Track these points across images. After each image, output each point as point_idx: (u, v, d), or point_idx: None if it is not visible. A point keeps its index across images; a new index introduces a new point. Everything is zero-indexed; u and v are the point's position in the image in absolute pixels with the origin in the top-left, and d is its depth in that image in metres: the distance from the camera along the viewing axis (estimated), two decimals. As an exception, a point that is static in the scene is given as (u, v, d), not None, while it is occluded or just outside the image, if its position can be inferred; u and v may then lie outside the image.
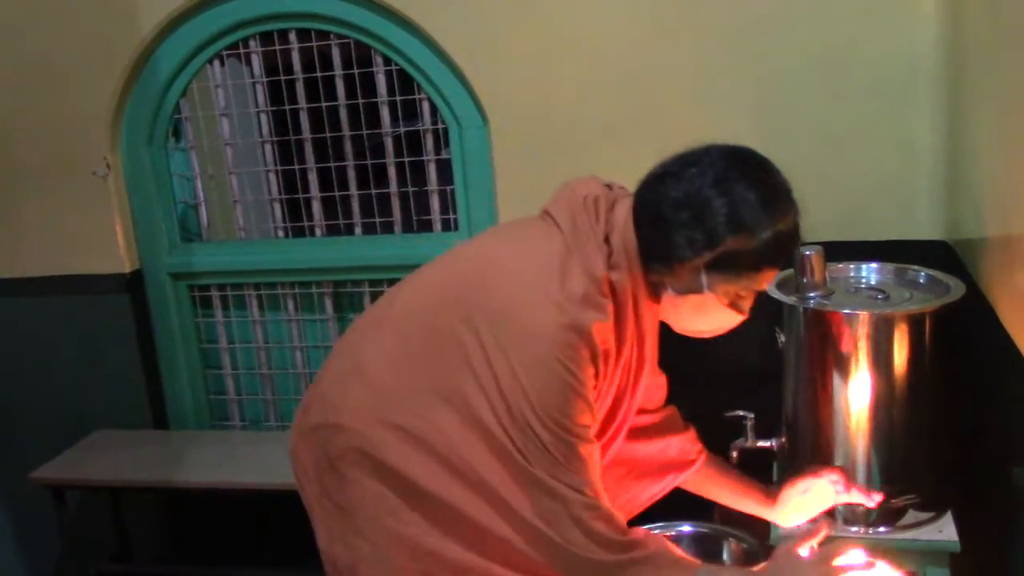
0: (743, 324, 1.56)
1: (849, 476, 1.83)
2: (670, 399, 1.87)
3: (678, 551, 1.55)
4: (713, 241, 1.41)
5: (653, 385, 1.78)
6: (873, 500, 1.82)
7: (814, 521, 1.84)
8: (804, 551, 1.60)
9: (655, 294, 1.53)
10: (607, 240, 1.50)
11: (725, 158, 1.45)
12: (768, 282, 1.52)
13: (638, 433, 1.76)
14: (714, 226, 1.40)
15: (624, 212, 1.51)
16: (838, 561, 1.55)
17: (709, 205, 1.41)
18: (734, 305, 1.51)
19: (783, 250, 1.47)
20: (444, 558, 1.54)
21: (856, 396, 1.80)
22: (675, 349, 1.71)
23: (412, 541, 1.54)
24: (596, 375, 1.48)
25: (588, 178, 1.61)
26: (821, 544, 1.65)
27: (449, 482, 1.51)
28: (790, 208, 1.45)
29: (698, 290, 1.48)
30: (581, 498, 1.45)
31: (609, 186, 1.60)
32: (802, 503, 1.84)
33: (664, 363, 1.77)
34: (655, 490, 1.85)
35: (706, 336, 1.59)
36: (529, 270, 1.49)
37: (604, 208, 1.53)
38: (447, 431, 1.50)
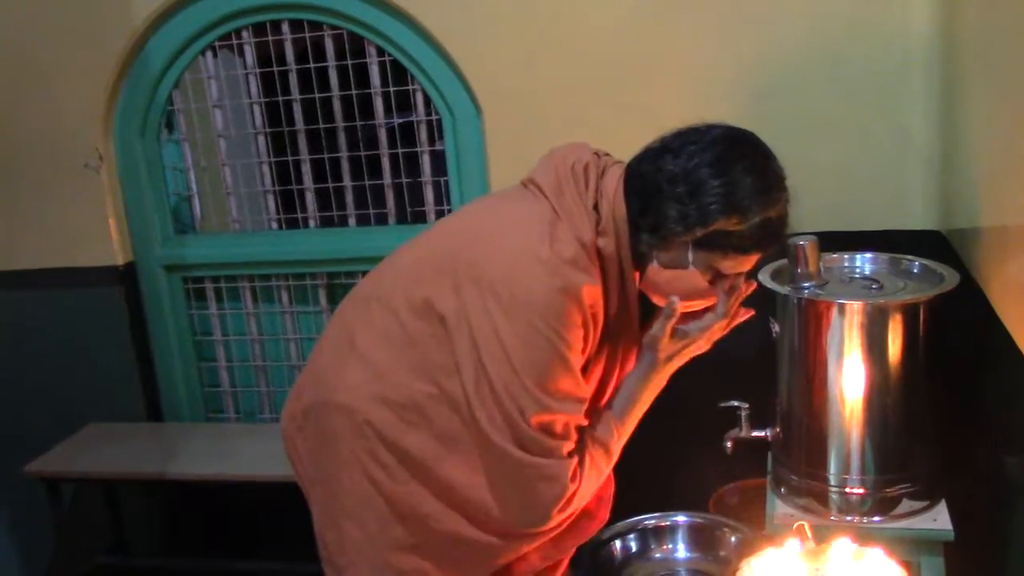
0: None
1: (841, 469, 1.84)
2: (666, 389, 1.87)
3: (598, 436, 1.59)
4: (705, 219, 1.44)
5: None
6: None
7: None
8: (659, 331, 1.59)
9: (640, 264, 1.55)
10: (596, 207, 1.52)
11: (726, 139, 1.48)
12: (751, 265, 1.54)
13: None
14: (707, 204, 1.43)
15: (614, 181, 1.53)
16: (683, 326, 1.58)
17: (705, 183, 1.43)
18: (713, 283, 1.54)
19: (771, 236, 1.49)
20: (439, 532, 1.55)
21: (850, 386, 1.80)
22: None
23: (405, 521, 1.55)
24: (585, 338, 1.49)
25: (578, 144, 1.62)
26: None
27: (445, 456, 1.52)
28: (782, 195, 1.48)
29: (683, 265, 1.50)
30: (555, 463, 1.48)
31: (597, 153, 1.60)
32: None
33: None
34: None
35: (682, 310, 1.60)
36: (516, 236, 1.50)
37: (594, 175, 1.54)
38: (441, 404, 1.51)
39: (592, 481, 1.57)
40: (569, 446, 1.50)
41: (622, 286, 1.55)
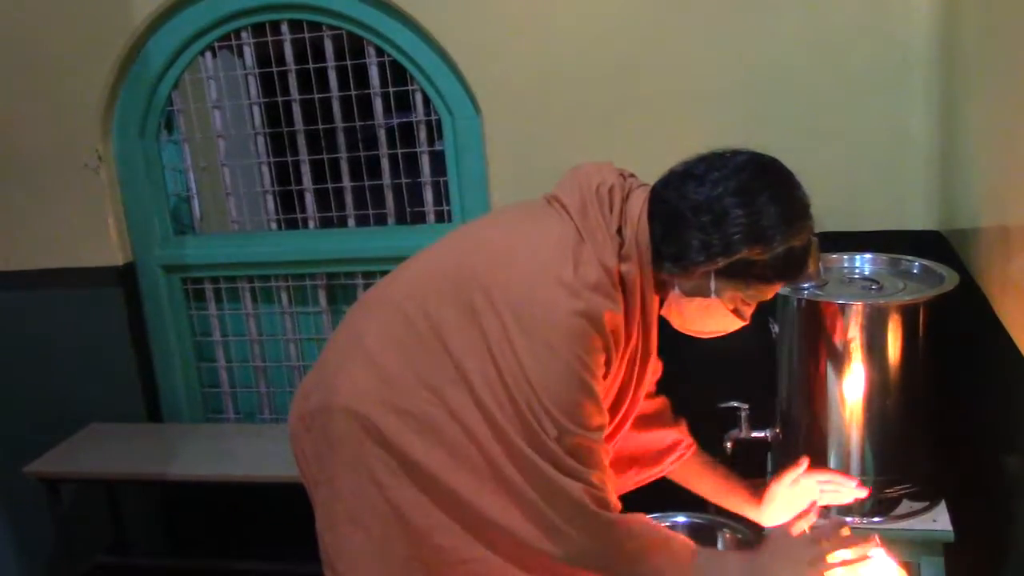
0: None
1: (840, 469, 1.84)
2: (665, 390, 1.87)
3: (674, 535, 1.55)
4: (729, 249, 1.41)
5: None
6: (862, 492, 1.80)
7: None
8: (796, 532, 1.60)
9: (661, 290, 1.53)
10: (619, 231, 1.50)
11: (751, 167, 1.44)
12: (773, 294, 1.52)
13: (632, 421, 1.77)
14: (731, 234, 1.40)
15: (638, 205, 1.50)
16: (829, 542, 1.54)
17: (729, 213, 1.40)
18: (737, 311, 1.51)
19: (795, 265, 1.46)
20: (443, 547, 1.53)
21: (850, 386, 1.80)
22: (669, 341, 1.71)
23: (409, 529, 1.54)
24: (607, 363, 1.48)
25: (602, 164, 1.59)
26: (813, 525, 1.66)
27: (453, 467, 1.50)
28: (807, 224, 1.45)
29: (706, 294, 1.48)
30: (581, 486, 1.44)
31: (622, 174, 1.58)
32: (788, 499, 1.82)
33: (659, 354, 1.77)
34: (641, 478, 1.85)
35: (704, 337, 1.59)
36: (540, 255, 1.47)
37: (619, 199, 1.52)
38: (452, 416, 1.49)
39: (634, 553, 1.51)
40: (598, 475, 1.46)
41: (643, 312, 1.53)
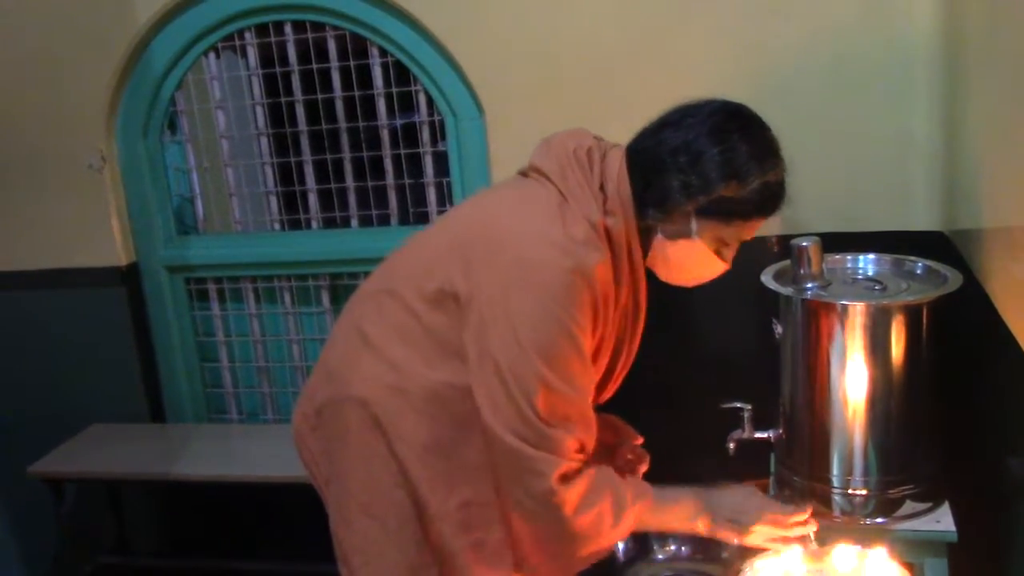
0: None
1: (844, 470, 1.84)
2: (668, 390, 1.87)
3: (629, 484, 1.61)
4: (708, 186, 1.49)
5: None
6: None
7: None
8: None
9: (645, 240, 1.58)
10: (601, 188, 1.55)
11: (722, 111, 1.54)
12: (754, 232, 1.58)
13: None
14: (708, 172, 1.48)
15: (617, 161, 1.57)
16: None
17: (705, 152, 1.49)
18: (719, 253, 1.58)
19: (770, 200, 1.54)
20: (458, 525, 1.54)
21: (853, 387, 1.79)
22: (674, 342, 1.71)
23: (424, 514, 1.54)
24: (595, 319, 1.51)
25: (575, 130, 1.67)
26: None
27: (462, 441, 1.53)
28: (778, 162, 1.54)
29: (688, 235, 1.54)
30: (551, 457, 1.47)
31: (595, 137, 1.65)
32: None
33: (662, 354, 1.77)
34: None
35: (689, 284, 1.64)
36: (527, 219, 1.53)
37: (597, 158, 1.59)
38: (457, 392, 1.52)
39: (598, 524, 1.54)
40: (570, 441, 1.49)
41: (631, 264, 1.57)
